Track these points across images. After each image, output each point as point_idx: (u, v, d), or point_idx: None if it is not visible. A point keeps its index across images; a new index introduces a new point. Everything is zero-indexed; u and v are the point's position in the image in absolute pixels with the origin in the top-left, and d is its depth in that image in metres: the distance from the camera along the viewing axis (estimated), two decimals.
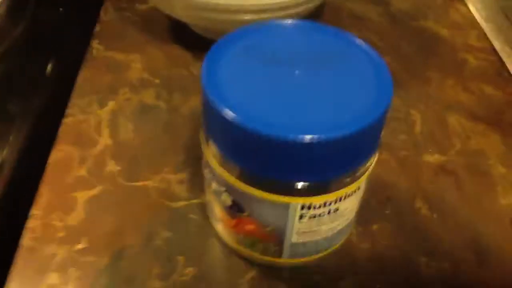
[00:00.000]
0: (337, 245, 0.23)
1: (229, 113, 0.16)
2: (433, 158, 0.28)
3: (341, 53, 0.19)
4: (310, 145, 0.16)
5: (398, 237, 0.24)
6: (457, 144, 0.29)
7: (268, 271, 0.22)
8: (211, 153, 0.19)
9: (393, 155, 0.28)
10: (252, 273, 0.22)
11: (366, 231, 0.24)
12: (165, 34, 0.35)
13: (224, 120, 0.17)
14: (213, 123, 0.18)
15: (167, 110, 0.29)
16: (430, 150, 0.28)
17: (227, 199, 0.20)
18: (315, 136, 0.16)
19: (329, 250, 0.22)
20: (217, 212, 0.22)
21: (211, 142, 0.19)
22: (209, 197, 0.22)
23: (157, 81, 0.31)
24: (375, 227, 0.25)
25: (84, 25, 0.36)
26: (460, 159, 0.28)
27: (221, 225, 0.22)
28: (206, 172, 0.21)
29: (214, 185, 0.20)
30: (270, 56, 0.19)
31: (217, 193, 0.20)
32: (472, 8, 0.40)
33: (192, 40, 0.34)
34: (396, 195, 0.26)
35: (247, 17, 0.29)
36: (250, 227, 0.21)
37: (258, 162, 0.18)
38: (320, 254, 0.22)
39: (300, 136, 0.16)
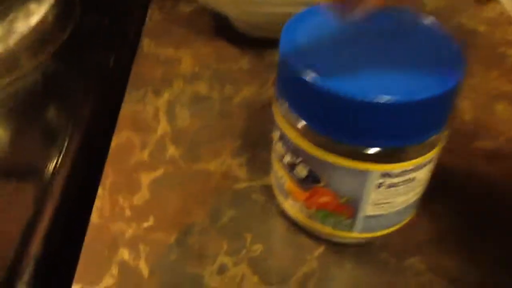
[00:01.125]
0: (404, 222, 0.23)
1: (310, 76, 0.17)
2: (482, 145, 0.28)
3: (410, 28, 0.20)
4: (391, 106, 0.16)
5: (458, 218, 0.24)
6: (505, 132, 0.29)
7: (335, 247, 0.23)
8: (288, 124, 0.20)
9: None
10: (320, 249, 0.22)
11: (428, 211, 0.24)
12: (211, 32, 0.36)
13: (305, 84, 0.17)
14: (293, 90, 0.19)
15: (221, 100, 0.30)
16: (480, 139, 0.29)
17: (303, 170, 0.20)
18: (397, 97, 0.16)
19: (397, 226, 0.22)
20: (288, 187, 0.22)
21: (290, 112, 0.19)
22: (280, 173, 0.22)
23: (208, 74, 0.32)
24: (436, 207, 0.25)
25: (132, 24, 0.37)
26: (510, 147, 0.28)
27: (290, 201, 0.22)
28: (278, 146, 0.21)
29: (288, 158, 0.21)
30: (344, 30, 0.19)
31: (291, 166, 0.21)
32: (507, 5, 0.40)
33: (239, 38, 0.35)
34: (452, 179, 0.26)
35: (291, 9, 0.30)
36: (324, 199, 0.21)
37: (339, 127, 0.18)
38: (389, 229, 0.22)
39: (382, 97, 0.16)
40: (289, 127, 0.20)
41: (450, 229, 0.24)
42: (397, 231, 0.23)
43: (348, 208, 0.21)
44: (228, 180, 0.25)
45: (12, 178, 0.25)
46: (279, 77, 0.20)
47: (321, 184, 0.20)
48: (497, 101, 0.31)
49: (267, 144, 0.27)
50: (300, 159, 0.20)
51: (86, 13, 0.38)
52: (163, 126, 0.28)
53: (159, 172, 0.25)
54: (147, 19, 0.37)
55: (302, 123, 0.19)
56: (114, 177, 0.25)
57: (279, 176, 0.22)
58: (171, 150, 0.26)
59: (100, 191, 0.24)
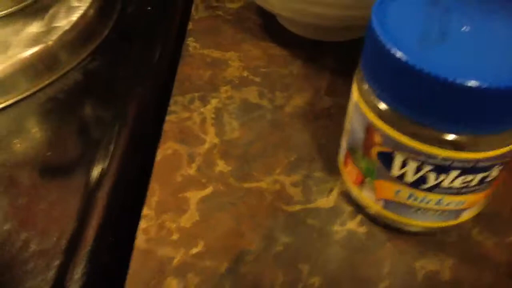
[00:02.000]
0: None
1: (401, 55, 0.16)
2: None
3: (505, 7, 0.18)
4: (482, 90, 0.15)
5: None
6: None
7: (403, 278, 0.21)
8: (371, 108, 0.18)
9: None
10: (385, 283, 0.20)
11: (502, 243, 0.22)
12: (259, 32, 0.33)
13: (397, 63, 0.16)
14: (381, 68, 0.18)
15: (272, 108, 0.28)
16: None
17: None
18: (489, 82, 0.15)
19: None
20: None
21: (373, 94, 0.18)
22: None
23: (257, 79, 0.30)
24: (510, 239, 0.22)
25: (174, 22, 0.35)
26: None
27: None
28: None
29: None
30: (439, 8, 0.18)
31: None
32: None
33: (288, 38, 0.33)
34: None
35: (344, 12, 0.27)
36: None
37: (425, 108, 0.17)
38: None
39: (472, 80, 0.15)
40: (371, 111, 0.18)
41: None
42: (466, 262, 0.21)
43: None
44: (281, 201, 0.23)
45: (56, 181, 0.24)
46: (366, 57, 0.19)
47: None
48: None
49: (323, 160, 0.25)
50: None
51: (128, 5, 0.37)
52: (211, 138, 0.26)
53: (208, 191, 0.23)
54: (191, 15, 0.35)
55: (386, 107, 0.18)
56: (160, 195, 0.23)
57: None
58: (221, 165, 0.25)
59: (145, 210, 0.23)
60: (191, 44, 0.32)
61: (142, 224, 0.22)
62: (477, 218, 0.23)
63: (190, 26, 0.34)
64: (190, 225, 0.22)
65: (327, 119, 0.27)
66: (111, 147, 0.26)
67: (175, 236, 0.22)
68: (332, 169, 0.25)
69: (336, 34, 0.32)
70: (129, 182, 0.25)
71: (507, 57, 0.16)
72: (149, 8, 0.36)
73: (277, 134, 0.26)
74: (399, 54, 0.16)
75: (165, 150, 0.25)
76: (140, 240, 0.21)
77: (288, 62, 0.31)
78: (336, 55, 0.32)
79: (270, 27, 0.34)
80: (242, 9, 0.35)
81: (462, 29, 0.17)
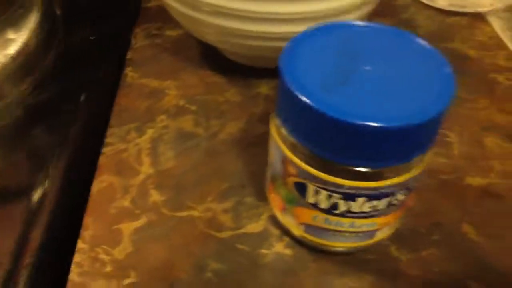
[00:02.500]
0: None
1: (307, 100, 0.17)
2: (475, 181, 0.28)
3: (407, 51, 0.20)
4: (380, 131, 0.17)
5: (448, 263, 0.24)
6: (496, 166, 0.29)
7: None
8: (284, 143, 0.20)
9: (435, 179, 0.28)
10: None
11: (415, 258, 0.24)
12: (198, 60, 0.35)
13: (301, 106, 0.18)
14: (289, 110, 0.19)
15: (206, 137, 0.29)
16: (471, 173, 0.28)
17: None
18: (386, 123, 0.17)
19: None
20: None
21: (286, 133, 0.20)
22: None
23: (193, 107, 0.31)
24: (424, 253, 0.24)
25: (116, 51, 0.36)
26: (502, 181, 0.28)
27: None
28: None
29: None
30: (341, 52, 0.20)
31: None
32: (497, 29, 0.40)
33: (226, 65, 0.34)
34: (442, 220, 0.26)
35: (280, 44, 0.29)
36: None
37: (332, 148, 0.18)
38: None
39: (371, 122, 0.17)
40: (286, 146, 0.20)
41: (442, 274, 0.23)
42: (383, 278, 0.23)
43: None
44: (213, 229, 0.24)
45: None
46: (280, 100, 0.20)
47: None
48: (487, 132, 0.31)
49: (254, 186, 0.27)
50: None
51: (69, 35, 0.37)
52: (146, 168, 0.27)
53: (141, 221, 0.24)
54: (131, 44, 0.36)
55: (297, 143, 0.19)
56: (94, 228, 0.24)
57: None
58: (154, 196, 0.26)
59: (79, 244, 0.23)
60: (129, 74, 0.33)
61: (76, 258, 0.23)
62: (395, 236, 0.25)
63: (129, 55, 0.35)
64: (123, 257, 0.23)
65: (259, 146, 0.29)
66: (50, 176, 0.26)
67: (108, 268, 0.23)
68: (262, 195, 0.26)
69: (270, 61, 0.33)
70: (66, 215, 0.26)
71: (401, 100, 0.18)
72: (92, 38, 0.37)
73: (211, 162, 0.28)
74: (302, 97, 0.18)
75: (100, 183, 0.26)
76: (73, 274, 0.22)
77: (224, 90, 0.32)
78: (270, 81, 0.33)
79: (209, 55, 0.35)
80: (181, 37, 0.37)
81: (364, 73, 0.19)
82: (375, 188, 0.19)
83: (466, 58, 0.37)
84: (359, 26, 0.21)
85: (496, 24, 0.40)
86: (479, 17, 0.41)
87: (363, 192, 0.19)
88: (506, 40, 0.39)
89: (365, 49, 0.20)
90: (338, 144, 0.18)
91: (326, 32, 0.21)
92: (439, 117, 0.18)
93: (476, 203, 0.26)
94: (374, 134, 0.17)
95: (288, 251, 0.24)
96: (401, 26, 0.39)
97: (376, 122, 0.17)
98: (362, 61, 0.19)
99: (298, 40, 0.20)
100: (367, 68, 0.19)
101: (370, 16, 0.32)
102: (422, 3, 0.43)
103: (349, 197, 0.20)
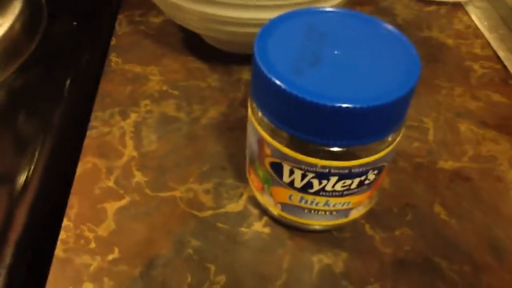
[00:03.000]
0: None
1: (279, 83, 0.18)
2: (447, 164, 0.29)
3: (374, 36, 0.21)
4: (349, 111, 0.18)
5: (419, 241, 0.25)
6: (469, 151, 0.30)
7: (298, 275, 0.23)
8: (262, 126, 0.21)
9: (409, 163, 0.29)
10: (283, 278, 0.23)
11: (389, 236, 0.25)
12: (180, 46, 0.35)
13: (274, 88, 0.19)
14: (263, 93, 0.20)
15: (188, 121, 0.30)
16: (445, 157, 0.29)
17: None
18: (354, 103, 0.18)
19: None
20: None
21: (261, 114, 0.21)
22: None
23: (176, 92, 0.32)
24: (397, 232, 0.25)
25: (99, 37, 0.36)
26: (474, 165, 0.29)
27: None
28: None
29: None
30: (311, 36, 0.21)
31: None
32: (474, 18, 0.41)
33: (207, 51, 0.35)
34: (415, 201, 0.27)
35: (256, 29, 0.30)
36: None
37: (305, 128, 0.19)
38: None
39: (340, 103, 0.18)
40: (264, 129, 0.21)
41: (412, 252, 0.24)
42: (357, 255, 0.24)
43: None
44: (193, 208, 0.25)
45: None
46: (252, 81, 0.21)
47: None
48: (460, 119, 0.32)
49: (234, 168, 0.27)
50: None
51: (53, 20, 0.38)
52: (129, 151, 0.28)
53: (124, 201, 0.25)
54: (115, 31, 0.37)
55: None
56: (79, 208, 0.25)
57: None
58: (138, 177, 0.26)
59: (65, 222, 0.24)
60: (113, 59, 0.34)
61: (62, 235, 0.24)
62: (370, 215, 0.26)
63: (113, 41, 0.35)
64: (107, 234, 0.24)
65: (240, 129, 0.29)
66: (34, 160, 0.27)
67: (92, 245, 0.23)
68: (242, 177, 0.27)
69: (251, 47, 0.34)
70: (51, 196, 0.26)
71: (369, 82, 0.19)
72: (75, 23, 0.38)
73: (192, 145, 0.28)
74: (273, 80, 0.18)
75: (84, 164, 0.27)
76: (59, 250, 0.23)
77: (206, 75, 0.33)
78: (252, 67, 0.34)
79: (191, 41, 0.36)
80: (164, 23, 0.37)
81: (333, 56, 0.20)
82: (347, 167, 0.20)
83: (443, 47, 0.38)
84: (328, 12, 0.22)
85: (474, 14, 0.41)
86: (457, 7, 0.42)
87: (335, 171, 0.20)
88: (482, 29, 0.40)
89: (334, 33, 0.21)
90: (310, 125, 0.19)
91: (297, 17, 0.22)
92: (406, 97, 0.19)
93: (448, 186, 0.28)
94: (344, 115, 0.18)
95: (266, 230, 0.25)
96: (379, 14, 0.40)
97: (346, 103, 0.18)
98: (331, 44, 0.20)
99: (271, 26, 0.21)
100: (336, 51, 0.20)
101: (350, 4, 0.33)
102: None
103: (322, 176, 0.21)
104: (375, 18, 0.22)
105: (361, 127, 0.19)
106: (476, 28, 0.40)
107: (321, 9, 0.22)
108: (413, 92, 0.19)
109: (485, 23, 0.41)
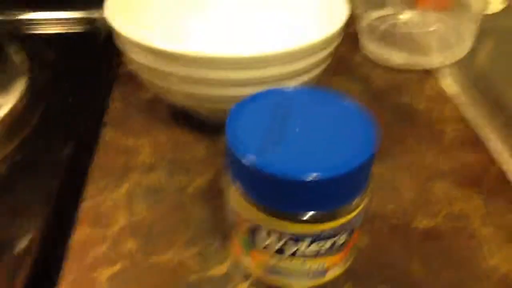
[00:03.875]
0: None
1: (248, 160, 0.20)
2: (422, 224, 0.31)
3: (334, 110, 0.23)
4: (316, 182, 0.20)
5: None
6: (442, 210, 0.32)
7: None
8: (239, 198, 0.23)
9: (385, 223, 0.30)
10: None
11: None
12: (168, 119, 0.38)
13: (244, 165, 0.21)
14: (236, 168, 0.22)
15: (174, 191, 0.32)
16: (419, 218, 0.31)
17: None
18: (318, 175, 0.20)
19: None
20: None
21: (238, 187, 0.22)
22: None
23: (164, 164, 0.34)
24: None
25: (95, 112, 0.39)
26: (447, 224, 0.31)
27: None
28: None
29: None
30: (276, 115, 0.23)
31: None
32: (444, 84, 0.44)
33: (193, 123, 0.37)
34: (392, 260, 0.28)
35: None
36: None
37: (276, 199, 0.21)
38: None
39: (305, 175, 0.20)
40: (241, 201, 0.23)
41: None
42: None
43: None
44: (180, 273, 0.27)
45: None
46: (226, 156, 0.23)
47: None
48: (435, 179, 0.34)
49: (219, 233, 0.29)
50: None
51: (53, 95, 0.40)
52: (121, 221, 0.29)
53: (117, 267, 0.27)
54: (109, 106, 0.39)
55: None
56: (72, 276, 0.26)
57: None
58: (129, 244, 0.28)
59: None
60: (107, 133, 0.36)
61: None
62: (349, 275, 0.27)
63: (106, 117, 0.38)
64: None
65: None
66: (32, 230, 0.29)
67: None
68: (227, 241, 0.28)
69: None
70: (48, 264, 0.28)
71: (332, 152, 0.21)
72: (70, 100, 0.40)
73: (178, 213, 0.30)
74: (241, 158, 0.21)
75: (79, 234, 0.29)
76: None
77: (193, 146, 0.36)
78: None
79: (179, 113, 0.38)
80: (154, 99, 0.40)
81: (296, 132, 0.22)
82: (317, 231, 0.22)
83: (416, 111, 0.41)
84: (291, 91, 0.25)
85: (445, 79, 0.45)
86: (429, 73, 0.45)
87: (307, 234, 0.22)
88: (453, 93, 0.43)
89: (296, 112, 0.23)
90: (277, 195, 0.21)
91: (264, 97, 0.24)
92: (365, 164, 0.21)
93: (422, 245, 0.29)
94: (307, 186, 0.20)
95: None
96: (355, 82, 0.43)
97: (308, 175, 0.20)
98: (294, 122, 0.22)
99: (241, 105, 0.23)
100: (299, 128, 0.22)
101: (326, 75, 0.36)
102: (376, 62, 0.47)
103: (296, 239, 0.22)
104: (337, 93, 0.24)
105: (326, 195, 0.21)
106: (446, 93, 0.43)
107: (287, 90, 0.25)
108: (372, 159, 0.22)
109: (455, 88, 0.43)
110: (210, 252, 0.28)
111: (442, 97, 0.42)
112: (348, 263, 0.26)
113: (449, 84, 0.44)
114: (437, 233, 0.30)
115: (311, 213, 0.21)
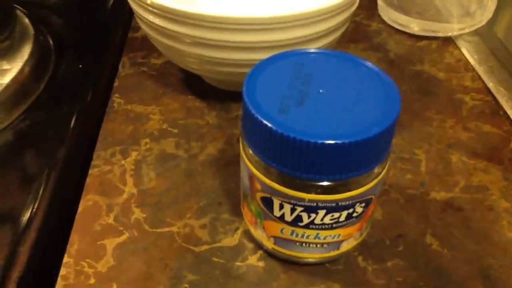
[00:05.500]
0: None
1: (265, 122, 0.19)
2: (439, 195, 0.30)
3: (357, 74, 0.22)
4: (335, 147, 0.19)
5: (411, 272, 0.25)
6: (461, 181, 0.31)
7: None
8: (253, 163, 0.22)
9: (401, 194, 0.29)
10: None
11: (381, 268, 0.26)
12: (180, 86, 0.37)
13: (262, 128, 0.20)
14: (252, 131, 0.21)
15: (186, 158, 0.31)
16: (436, 188, 0.30)
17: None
18: (339, 139, 0.19)
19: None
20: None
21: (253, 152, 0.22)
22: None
23: (175, 131, 0.33)
24: (389, 264, 0.26)
25: (103, 78, 0.38)
26: (465, 196, 0.30)
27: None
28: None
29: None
30: (297, 77, 0.22)
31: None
32: (464, 52, 0.42)
33: (206, 90, 0.36)
34: (407, 232, 0.27)
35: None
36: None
37: (294, 165, 0.20)
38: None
39: (327, 140, 0.19)
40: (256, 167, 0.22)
41: (405, 283, 0.25)
42: (351, 285, 0.25)
43: None
44: (190, 243, 0.26)
45: None
46: (242, 120, 0.22)
47: None
48: (452, 150, 0.33)
49: (230, 203, 0.28)
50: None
51: (60, 61, 0.40)
52: (129, 188, 0.29)
53: (124, 237, 0.26)
54: (118, 72, 0.38)
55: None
56: (79, 244, 0.26)
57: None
58: (136, 214, 0.27)
59: (65, 258, 0.25)
60: (116, 100, 0.35)
61: (62, 271, 0.25)
62: (362, 247, 0.26)
63: (116, 83, 0.37)
64: (106, 270, 0.25)
65: (237, 165, 0.30)
66: (38, 198, 0.28)
67: (92, 280, 0.24)
68: (238, 211, 0.28)
69: None
70: (53, 232, 0.27)
71: (354, 116, 0.20)
72: (80, 66, 0.39)
73: (190, 182, 0.29)
74: (261, 119, 0.20)
75: (86, 202, 0.28)
76: (59, 286, 0.24)
77: (204, 113, 0.34)
78: None
79: (191, 81, 0.37)
80: (165, 64, 0.39)
81: (318, 95, 0.21)
82: (334, 201, 0.21)
83: (435, 80, 0.39)
84: (314, 53, 0.24)
85: (464, 48, 0.43)
86: (448, 41, 0.44)
87: (323, 204, 0.21)
88: (473, 62, 0.41)
89: (319, 74, 0.22)
90: (296, 161, 0.20)
91: (285, 59, 0.23)
92: (388, 131, 0.20)
93: (439, 216, 0.28)
94: (328, 151, 0.19)
95: (261, 263, 0.26)
96: (373, 49, 0.42)
97: (330, 139, 0.19)
98: (316, 84, 0.21)
99: (259, 67, 0.22)
100: (321, 90, 0.21)
101: (344, 42, 0.35)
102: (394, 28, 0.45)
103: (311, 210, 0.22)
104: (358, 57, 0.23)
105: (346, 162, 0.20)
106: (467, 61, 0.41)
107: (307, 51, 0.24)
108: (395, 126, 0.20)
109: (475, 57, 0.42)
110: (220, 222, 0.27)
111: (462, 66, 0.41)
112: (364, 235, 0.25)
113: (469, 53, 0.42)
114: (455, 205, 0.29)
115: (328, 181, 0.20)
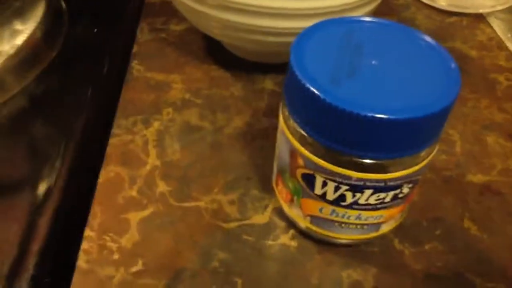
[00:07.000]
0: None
1: (315, 92, 0.18)
2: (476, 178, 0.28)
3: (413, 47, 0.21)
4: (388, 122, 0.17)
5: (450, 257, 0.24)
6: (498, 164, 0.29)
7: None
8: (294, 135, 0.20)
9: (437, 175, 0.28)
10: None
11: (419, 251, 0.24)
12: (202, 54, 0.35)
13: (311, 98, 0.18)
14: (298, 101, 0.19)
15: (212, 130, 0.29)
16: (473, 171, 0.29)
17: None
18: (394, 115, 0.17)
19: None
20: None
21: (295, 123, 0.20)
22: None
23: (199, 101, 0.31)
24: (427, 247, 0.25)
25: (120, 44, 0.36)
26: (503, 179, 0.28)
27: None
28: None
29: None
30: (348, 46, 0.20)
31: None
32: (497, 29, 0.40)
33: (230, 60, 0.34)
34: (444, 215, 0.26)
35: (284, 39, 0.29)
36: None
37: (340, 139, 0.19)
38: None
39: (380, 114, 0.17)
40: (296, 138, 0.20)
41: (445, 268, 0.24)
42: (387, 270, 0.23)
43: None
44: (218, 219, 0.25)
45: (4, 196, 0.25)
46: (286, 90, 0.20)
47: None
48: (489, 131, 0.31)
49: (259, 179, 0.27)
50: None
51: (74, 25, 0.38)
52: (152, 160, 0.27)
53: (148, 211, 0.25)
54: (136, 38, 0.36)
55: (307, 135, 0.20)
56: (102, 217, 0.24)
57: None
58: (161, 187, 0.26)
59: (87, 232, 0.24)
60: (135, 67, 0.33)
61: (84, 245, 0.23)
62: (398, 229, 0.25)
63: (135, 49, 0.35)
64: (131, 245, 0.23)
65: (264, 139, 0.29)
66: (56, 169, 0.26)
67: (115, 256, 0.23)
68: (267, 187, 0.26)
69: (275, 57, 0.34)
70: (73, 205, 0.26)
71: (408, 93, 0.18)
72: (95, 30, 0.37)
73: (216, 155, 0.28)
74: (311, 89, 0.18)
75: (107, 172, 0.26)
76: (81, 261, 0.22)
77: (229, 84, 0.33)
78: (275, 76, 0.34)
79: (213, 50, 0.35)
80: (186, 31, 0.37)
81: (371, 66, 0.19)
82: (382, 181, 0.20)
83: (467, 58, 0.37)
84: (364, 21, 0.22)
85: (496, 25, 0.41)
86: (479, 18, 0.42)
87: (370, 184, 0.20)
88: (506, 41, 0.39)
89: (372, 44, 0.20)
90: (346, 136, 0.18)
91: (333, 26, 0.21)
92: (445, 110, 0.18)
93: (477, 199, 0.27)
94: (382, 126, 0.18)
95: (293, 243, 0.24)
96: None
97: (384, 114, 0.17)
98: (368, 55, 0.20)
99: (307, 35, 0.21)
100: (374, 62, 0.19)
101: (371, 15, 0.33)
102: (423, 2, 0.43)
103: (356, 189, 0.20)
104: (413, 28, 0.21)
105: (396, 139, 0.18)
106: (500, 40, 0.39)
107: (357, 18, 0.22)
108: (451, 107, 0.19)
109: (509, 35, 0.40)
110: (250, 198, 0.26)
111: (495, 45, 0.39)
112: (403, 217, 0.24)
113: (502, 30, 0.40)
114: (493, 188, 0.28)
115: (376, 159, 0.19)
